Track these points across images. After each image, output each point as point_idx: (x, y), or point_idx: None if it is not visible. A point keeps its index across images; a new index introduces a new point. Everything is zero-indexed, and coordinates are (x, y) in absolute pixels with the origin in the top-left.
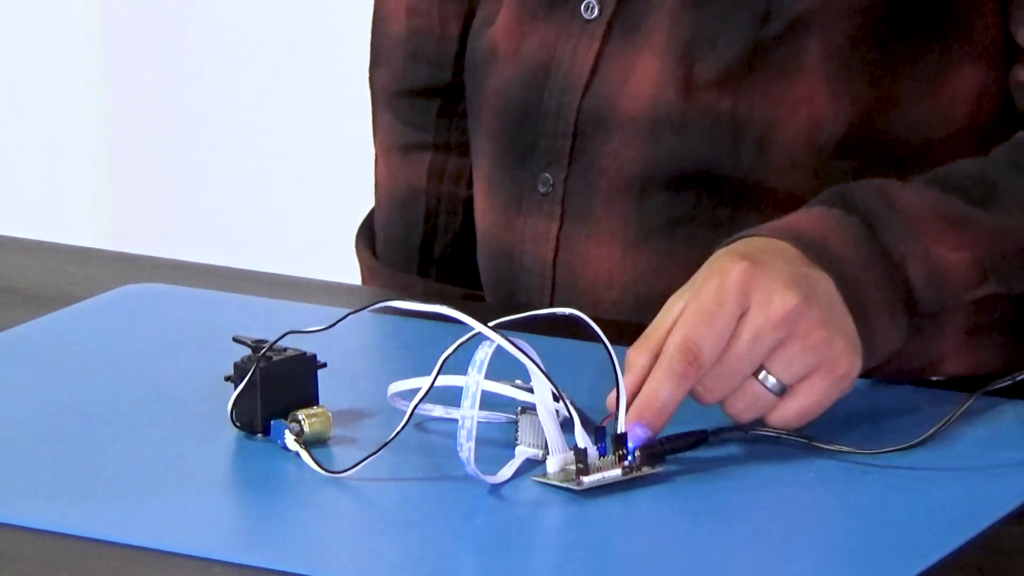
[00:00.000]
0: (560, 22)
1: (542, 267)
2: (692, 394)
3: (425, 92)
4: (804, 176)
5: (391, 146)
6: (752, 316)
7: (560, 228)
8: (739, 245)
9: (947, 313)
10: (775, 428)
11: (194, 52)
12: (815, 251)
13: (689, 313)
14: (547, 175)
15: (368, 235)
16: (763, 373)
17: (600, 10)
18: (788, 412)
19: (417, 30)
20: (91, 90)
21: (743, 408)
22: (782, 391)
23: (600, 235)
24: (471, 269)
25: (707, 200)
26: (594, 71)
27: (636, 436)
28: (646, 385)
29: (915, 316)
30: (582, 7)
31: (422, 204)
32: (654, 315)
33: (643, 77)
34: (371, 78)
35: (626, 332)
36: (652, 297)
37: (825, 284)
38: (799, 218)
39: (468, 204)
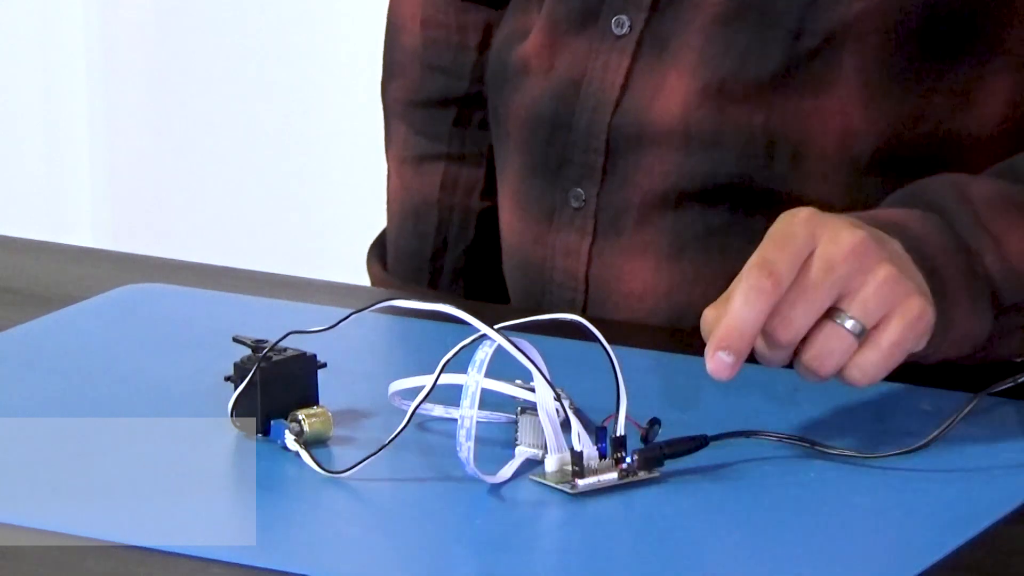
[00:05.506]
0: (591, 38)
1: (574, 281)
2: (769, 334)
3: (441, 102)
4: (839, 188)
5: (404, 158)
6: (822, 249)
7: (593, 242)
8: None
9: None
10: (855, 382)
11: (194, 52)
12: (888, 227)
13: (760, 246)
14: (579, 190)
15: (380, 252)
16: (840, 315)
17: (631, 26)
18: (867, 359)
19: (433, 41)
20: (91, 90)
21: (821, 353)
22: (861, 333)
23: (634, 249)
24: (483, 282)
25: (742, 212)
26: (624, 87)
27: (720, 363)
28: (726, 312)
29: (998, 310)
30: (612, 23)
31: (434, 215)
32: (687, 327)
33: (673, 93)
34: (384, 92)
35: (635, 334)
36: (687, 309)
37: (894, 243)
38: (875, 210)
39: (481, 216)
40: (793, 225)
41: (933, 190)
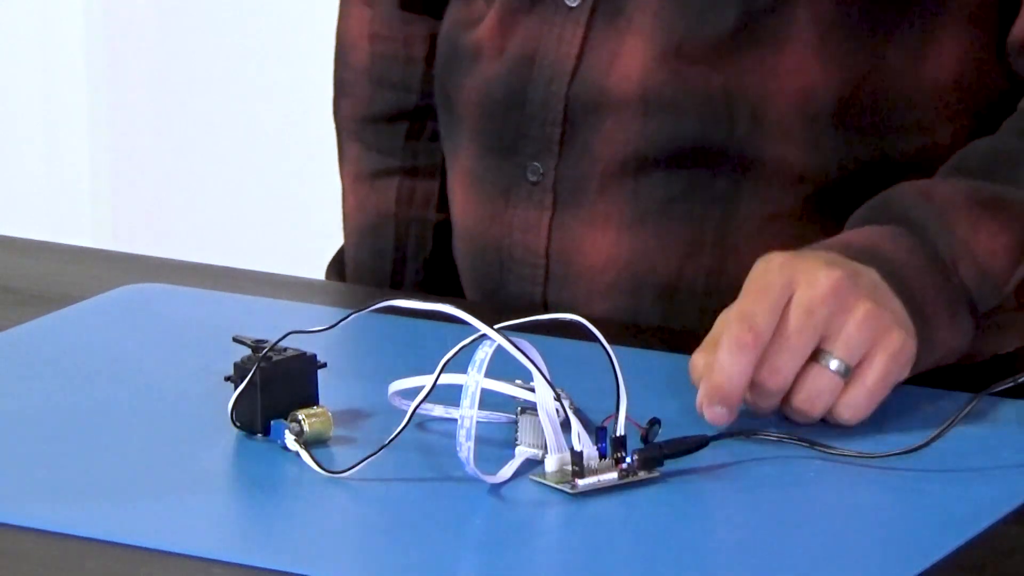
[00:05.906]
0: (543, 14)
1: (534, 256)
2: (758, 384)
3: (392, 117)
4: (799, 147)
5: (359, 175)
6: (800, 293)
7: (552, 216)
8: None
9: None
10: (844, 421)
11: (194, 52)
12: (863, 254)
13: (739, 297)
14: (536, 164)
15: (339, 269)
16: (824, 356)
17: None
18: (855, 397)
19: (381, 56)
20: (91, 90)
21: (810, 396)
22: (846, 372)
23: (595, 220)
24: (442, 294)
25: (704, 176)
26: (580, 57)
27: (716, 414)
28: (713, 367)
29: (977, 316)
30: None
31: (391, 230)
32: (650, 297)
33: (631, 58)
34: (335, 111)
35: (635, 334)
36: (648, 278)
37: (870, 273)
38: (848, 234)
39: (438, 228)
40: (769, 272)
41: (900, 201)
